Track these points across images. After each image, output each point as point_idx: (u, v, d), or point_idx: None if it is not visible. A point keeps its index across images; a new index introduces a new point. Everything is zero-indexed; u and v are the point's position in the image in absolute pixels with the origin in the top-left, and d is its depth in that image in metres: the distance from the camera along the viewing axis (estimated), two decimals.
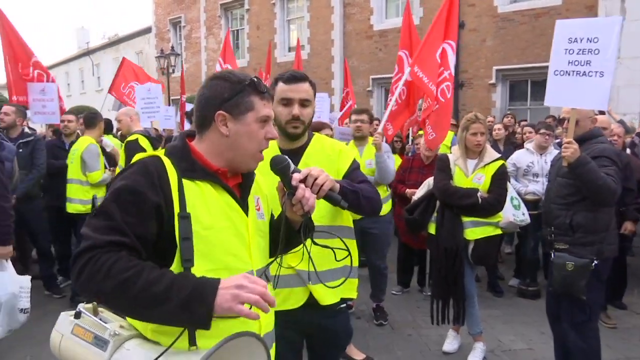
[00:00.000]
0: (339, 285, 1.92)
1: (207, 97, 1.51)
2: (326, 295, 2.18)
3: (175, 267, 1.36)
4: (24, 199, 5.07)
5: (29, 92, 6.66)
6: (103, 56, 31.51)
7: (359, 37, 16.60)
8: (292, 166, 1.62)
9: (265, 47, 13.50)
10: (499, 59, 13.14)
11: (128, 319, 1.40)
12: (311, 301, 2.17)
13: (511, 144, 6.69)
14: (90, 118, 5.60)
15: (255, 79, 1.52)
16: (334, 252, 1.74)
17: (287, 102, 2.15)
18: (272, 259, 1.63)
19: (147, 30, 26.68)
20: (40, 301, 5.00)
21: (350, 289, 2.30)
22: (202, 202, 1.44)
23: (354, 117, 4.65)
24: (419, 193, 4.22)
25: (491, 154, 3.83)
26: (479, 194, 3.66)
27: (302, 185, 1.57)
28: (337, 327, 2.29)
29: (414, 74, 4.98)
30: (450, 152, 4.12)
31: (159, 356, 1.24)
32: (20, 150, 5.19)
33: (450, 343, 4.13)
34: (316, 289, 2.16)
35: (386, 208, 4.52)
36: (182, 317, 1.22)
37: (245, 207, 1.57)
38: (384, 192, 4.54)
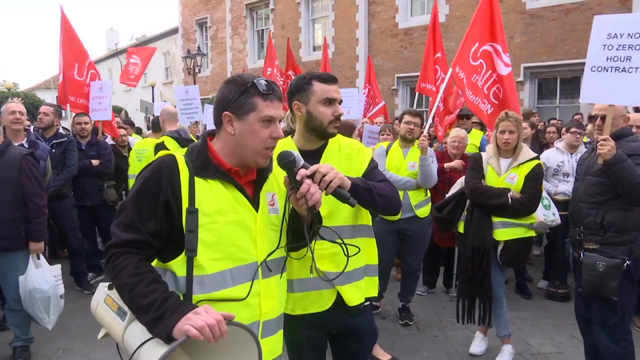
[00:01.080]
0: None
1: (218, 99, 1.66)
2: (354, 296, 2.19)
3: (182, 255, 1.53)
4: (55, 198, 5.21)
5: (91, 90, 6.96)
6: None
7: (384, 36, 16.50)
8: (301, 162, 1.68)
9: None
10: (527, 56, 12.87)
11: None
12: (338, 302, 2.18)
13: (538, 143, 6.56)
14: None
15: (258, 81, 1.61)
16: (345, 248, 1.79)
17: (330, 102, 2.13)
18: (273, 249, 1.69)
19: (174, 31, 27.05)
20: (72, 297, 5.13)
21: (372, 288, 2.31)
22: (211, 198, 1.57)
23: (407, 117, 4.52)
24: (452, 191, 4.17)
25: (527, 153, 3.74)
26: (510, 194, 3.59)
27: (307, 181, 1.63)
28: (362, 325, 2.29)
29: (455, 74, 4.98)
30: (478, 151, 4.07)
31: (178, 341, 1.36)
32: (54, 150, 5.33)
33: (477, 345, 4.07)
34: (345, 289, 2.16)
35: (425, 211, 4.46)
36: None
37: (256, 203, 1.67)
38: (423, 195, 4.49)
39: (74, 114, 6.78)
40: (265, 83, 1.62)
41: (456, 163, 5.14)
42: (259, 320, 1.65)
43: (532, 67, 13.00)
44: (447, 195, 4.17)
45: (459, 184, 4.10)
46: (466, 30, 5.25)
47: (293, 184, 1.65)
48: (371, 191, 2.01)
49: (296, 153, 1.69)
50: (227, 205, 1.59)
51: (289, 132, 2.37)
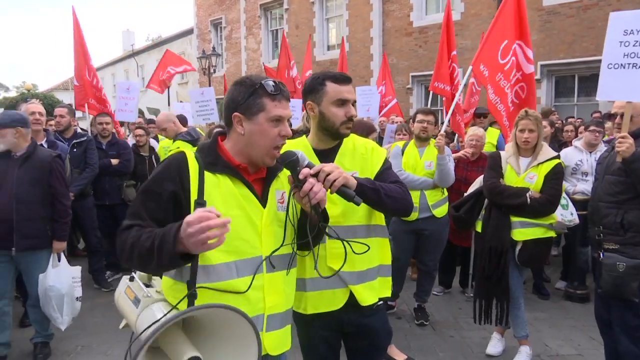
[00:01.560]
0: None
1: (228, 101, 1.72)
2: (367, 296, 2.19)
3: None
4: (78, 197, 5.30)
5: (118, 90, 7.10)
6: (147, 58, 32.36)
7: (399, 34, 16.44)
8: (305, 161, 1.74)
9: (304, 46, 13.55)
10: (544, 53, 12.72)
11: (162, 287, 1.70)
12: (351, 301, 2.18)
13: (556, 141, 6.48)
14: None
15: (266, 82, 1.67)
16: (350, 245, 1.83)
17: (342, 102, 2.13)
18: (279, 246, 1.72)
19: (189, 32, 27.25)
20: (90, 295, 5.20)
21: (386, 288, 2.31)
22: (218, 192, 1.64)
23: (420, 116, 4.50)
24: (470, 189, 4.14)
25: (547, 152, 3.69)
26: (528, 194, 3.54)
27: (310, 179, 1.67)
28: (376, 325, 2.28)
29: (478, 72, 4.91)
30: (495, 150, 4.03)
31: (161, 317, 1.47)
32: (75, 150, 5.41)
33: (494, 346, 4.03)
34: (358, 289, 2.16)
35: (442, 211, 4.43)
36: (164, 260, 1.45)
37: (264, 199, 1.73)
38: (440, 194, 4.45)
39: (91, 115, 6.88)
40: (273, 84, 1.67)
41: (461, 153, 5.14)
42: (263, 313, 1.69)
43: (549, 65, 12.85)
44: (465, 194, 4.13)
45: (478, 182, 4.07)
46: (482, 27, 5.21)
47: (297, 182, 1.69)
48: (378, 191, 2.01)
49: (300, 153, 1.74)
50: (234, 200, 1.65)
51: (306, 131, 2.37)
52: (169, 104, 13.38)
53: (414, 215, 4.33)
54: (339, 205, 2.09)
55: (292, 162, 1.71)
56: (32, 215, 3.73)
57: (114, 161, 5.82)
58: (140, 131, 6.54)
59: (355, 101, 2.20)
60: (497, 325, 3.95)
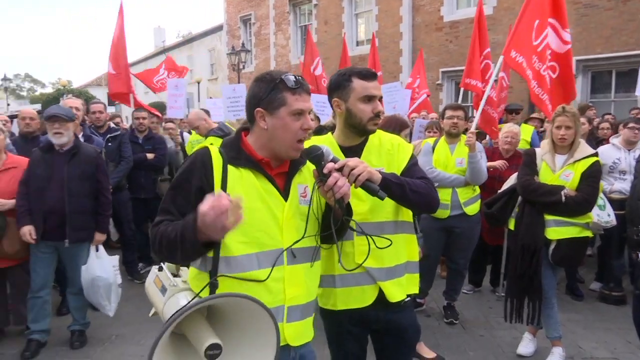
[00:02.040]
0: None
1: (250, 97, 1.77)
2: (396, 292, 2.18)
3: None
4: (114, 190, 5.44)
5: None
6: (178, 54, 32.84)
7: (429, 29, 16.21)
8: (330, 156, 1.75)
9: (333, 42, 13.52)
10: (580, 48, 12.34)
11: (189, 278, 1.75)
12: (379, 298, 2.17)
13: (594, 139, 6.30)
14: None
15: (286, 76, 1.70)
16: (373, 240, 1.86)
17: (370, 99, 2.12)
18: (299, 238, 1.74)
19: (219, 28, 27.51)
20: (123, 286, 5.30)
21: (414, 284, 2.30)
22: (241, 185, 1.68)
23: (449, 112, 4.44)
24: (504, 187, 4.07)
25: (584, 149, 3.59)
26: (563, 192, 3.46)
27: (335, 174, 1.70)
28: (404, 322, 2.27)
29: (511, 60, 4.76)
30: (529, 147, 3.95)
31: (185, 304, 1.50)
32: (109, 144, 5.55)
33: (526, 346, 3.96)
34: (386, 286, 2.16)
35: (474, 208, 4.38)
36: (187, 248, 1.53)
37: (285, 193, 1.75)
38: (472, 192, 4.40)
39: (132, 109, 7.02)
40: (294, 78, 1.71)
41: (498, 163, 5.00)
42: (283, 304, 1.71)
43: (585, 60, 12.46)
44: (499, 191, 4.07)
45: (512, 180, 3.99)
46: (514, 21, 5.05)
47: (321, 176, 1.72)
48: (403, 186, 2.00)
49: (325, 147, 1.76)
50: (256, 193, 1.69)
51: (333, 127, 2.37)
52: (198, 100, 13.55)
53: (445, 213, 4.30)
54: (367, 202, 2.09)
55: (317, 156, 1.73)
56: (82, 208, 3.92)
57: (149, 156, 5.94)
58: (172, 124, 6.66)
59: (381, 97, 2.19)
60: (529, 324, 3.88)
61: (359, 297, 2.17)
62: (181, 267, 1.84)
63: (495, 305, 5.00)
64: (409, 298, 2.26)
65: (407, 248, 2.25)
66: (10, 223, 3.86)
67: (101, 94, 36.32)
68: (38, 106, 16.08)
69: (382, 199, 1.80)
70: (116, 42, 7.38)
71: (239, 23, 25.34)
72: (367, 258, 1.91)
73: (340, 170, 1.73)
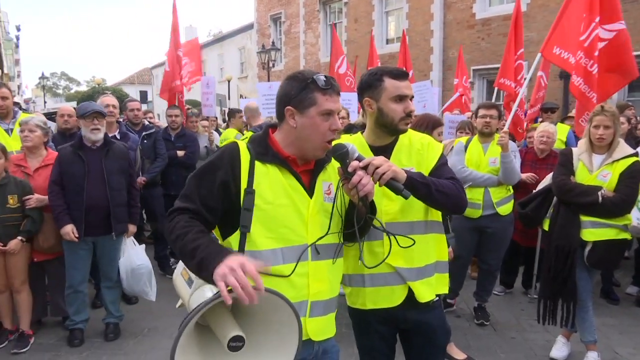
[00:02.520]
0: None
1: (281, 95, 1.79)
2: (425, 292, 2.17)
3: (238, 231, 1.68)
4: (150, 185, 5.57)
5: (201, 86, 7.43)
6: (209, 52, 33.25)
7: (460, 27, 15.98)
8: (355, 154, 1.76)
9: (363, 40, 13.47)
10: None
11: None
12: (408, 298, 2.16)
13: (633, 138, 6.10)
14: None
15: (318, 77, 1.72)
16: (396, 239, 1.87)
17: (401, 98, 2.10)
18: (323, 234, 1.76)
19: (249, 27, 27.75)
20: (155, 280, 5.43)
21: (443, 284, 2.28)
22: (267, 181, 1.71)
23: (482, 111, 4.38)
24: (539, 187, 3.99)
25: (623, 149, 3.49)
26: (600, 193, 3.37)
27: (359, 172, 1.70)
28: (433, 322, 2.25)
29: (554, 56, 4.64)
30: (565, 147, 3.85)
31: (211, 297, 1.47)
32: (145, 142, 5.68)
33: (559, 349, 3.88)
34: (416, 285, 2.15)
35: (507, 209, 4.31)
36: (198, 273, 1.54)
37: (311, 190, 1.78)
38: (506, 192, 4.33)
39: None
40: (324, 79, 1.73)
41: (526, 177, 4.84)
42: (307, 299, 1.74)
43: None
44: (534, 192, 3.99)
45: (548, 180, 3.91)
46: (550, 19, 4.89)
47: (346, 174, 1.73)
48: (429, 186, 1.98)
49: (351, 145, 1.76)
50: (282, 190, 1.71)
51: (362, 126, 2.36)
52: (228, 98, 13.69)
53: (477, 213, 4.24)
54: (397, 202, 2.08)
55: (342, 154, 1.74)
56: (121, 201, 4.07)
57: (180, 153, 6.04)
58: (205, 122, 6.77)
59: (413, 96, 2.17)
60: (562, 327, 3.80)
61: (388, 297, 2.17)
62: None
63: (528, 307, 4.91)
64: (437, 298, 2.24)
65: (437, 248, 2.24)
66: (46, 219, 4.00)
67: (134, 92, 37.13)
68: (74, 104, 16.57)
69: (406, 197, 1.80)
70: (172, 40, 7.49)
71: (269, 21, 25.51)
72: (388, 255, 1.93)
73: (365, 168, 1.74)
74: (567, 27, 4.64)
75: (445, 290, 2.29)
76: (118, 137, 5.03)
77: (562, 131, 6.09)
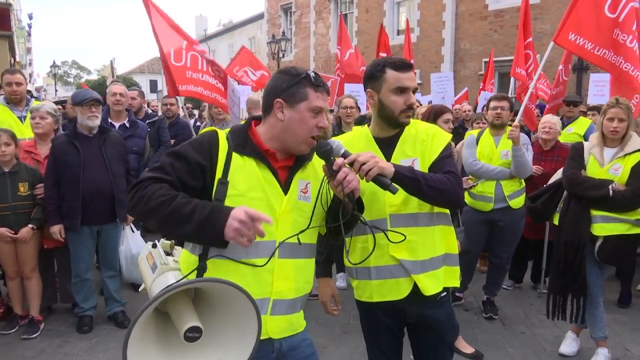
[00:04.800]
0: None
1: (271, 87, 1.77)
2: (430, 285, 2.13)
3: None
4: None
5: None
6: (219, 42, 33.27)
7: (472, 18, 15.82)
8: (341, 150, 1.74)
9: (374, 30, 13.36)
10: None
11: (181, 260, 1.74)
12: (414, 291, 2.14)
13: None
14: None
15: (311, 74, 1.73)
16: (386, 235, 1.86)
17: (402, 90, 2.07)
18: (295, 233, 1.72)
19: (260, 17, 27.68)
20: None
21: (453, 278, 2.24)
22: (243, 173, 1.69)
23: (493, 103, 4.32)
24: (551, 180, 3.93)
25: (636, 142, 3.41)
26: (611, 186, 3.31)
27: (344, 169, 1.68)
28: (440, 317, 2.22)
29: (567, 42, 4.49)
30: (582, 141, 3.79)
31: (172, 284, 1.50)
32: (149, 130, 5.67)
33: (569, 345, 3.85)
34: (421, 278, 2.12)
35: (519, 202, 4.26)
36: (200, 235, 1.51)
37: (286, 187, 1.75)
38: (517, 185, 4.28)
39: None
40: (316, 76, 1.73)
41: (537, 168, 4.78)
42: (269, 297, 1.70)
43: None
44: (545, 185, 3.93)
45: (559, 174, 3.85)
46: (563, 10, 4.70)
47: (331, 171, 1.70)
48: (418, 181, 1.94)
49: (336, 142, 1.74)
50: (257, 183, 1.69)
51: (370, 118, 2.33)
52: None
53: (488, 206, 4.20)
54: (399, 194, 2.04)
55: (326, 151, 1.72)
56: (122, 188, 4.05)
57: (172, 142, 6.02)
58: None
59: (416, 89, 2.13)
60: (572, 322, 3.76)
61: (394, 290, 2.14)
62: (175, 247, 1.83)
63: (537, 302, 4.87)
64: (445, 293, 2.21)
65: (444, 240, 2.20)
66: None
67: (144, 81, 37.23)
68: None
69: (393, 193, 1.78)
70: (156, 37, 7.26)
71: (280, 11, 25.41)
72: (373, 252, 1.86)
73: (351, 165, 1.73)
74: (583, 13, 4.48)
75: (456, 283, 2.25)
76: (127, 125, 5.02)
77: (582, 125, 5.96)
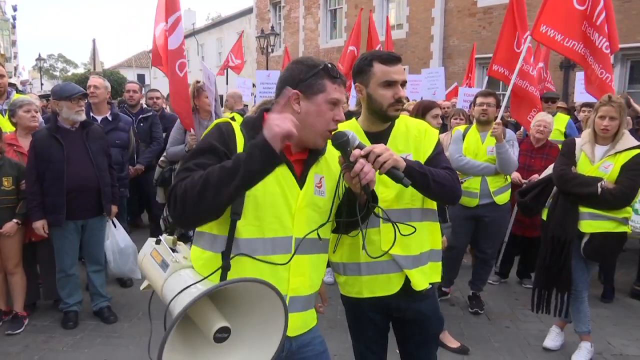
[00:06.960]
0: None
1: (286, 78, 1.70)
2: (420, 280, 2.15)
3: (225, 217, 1.56)
4: (146, 169, 5.52)
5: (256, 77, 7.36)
6: (207, 36, 32.98)
7: (461, 15, 15.86)
8: (356, 142, 1.72)
9: (363, 27, 13.32)
10: (621, 36, 11.69)
11: (192, 257, 1.66)
12: (404, 286, 2.14)
13: (636, 131, 6.05)
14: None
15: (329, 65, 1.68)
16: (397, 227, 1.80)
17: (390, 84, 2.06)
18: (311, 230, 1.70)
19: (249, 11, 27.50)
20: None
21: (436, 273, 2.26)
22: None
23: (479, 99, 4.34)
24: (542, 176, 3.96)
25: (627, 141, 3.43)
26: (600, 184, 3.34)
27: (361, 160, 1.65)
28: (426, 311, 2.24)
29: (541, 35, 4.52)
30: (564, 138, 3.82)
31: (192, 284, 1.46)
32: (141, 125, 5.62)
33: (553, 339, 3.89)
34: (413, 273, 2.13)
35: (504, 198, 4.30)
36: (253, 168, 1.44)
37: (302, 181, 1.71)
38: (502, 181, 4.30)
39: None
40: (333, 67, 1.69)
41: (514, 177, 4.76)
42: (286, 294, 1.68)
43: (625, 49, 11.96)
44: (535, 180, 3.96)
45: (549, 170, 3.88)
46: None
47: (347, 163, 1.68)
48: (426, 176, 1.95)
49: (351, 133, 1.72)
50: (273, 177, 1.61)
51: (357, 113, 2.33)
52: (227, 83, 13.59)
53: (474, 202, 4.23)
54: (393, 189, 2.06)
55: (343, 142, 1.69)
56: (107, 181, 4.03)
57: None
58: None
59: (405, 82, 2.12)
60: (556, 316, 3.80)
61: (385, 285, 2.15)
62: (178, 243, 1.75)
63: (522, 297, 4.92)
64: (431, 287, 2.23)
65: (431, 236, 2.22)
66: None
67: (131, 75, 36.84)
68: None
69: (406, 186, 1.78)
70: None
71: (269, 6, 25.28)
72: (393, 245, 1.87)
73: (366, 156, 1.70)
74: (554, 4, 4.54)
75: (438, 279, 2.27)
76: (110, 118, 4.97)
77: (561, 121, 6.02)
